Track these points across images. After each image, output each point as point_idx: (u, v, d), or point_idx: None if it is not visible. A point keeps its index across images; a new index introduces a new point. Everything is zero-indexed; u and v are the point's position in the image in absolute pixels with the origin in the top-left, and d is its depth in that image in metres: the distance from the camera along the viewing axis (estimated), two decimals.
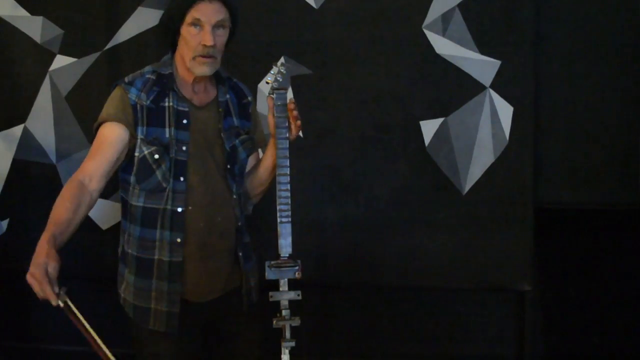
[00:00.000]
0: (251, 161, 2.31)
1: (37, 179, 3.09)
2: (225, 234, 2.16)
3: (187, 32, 2.06)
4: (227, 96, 2.22)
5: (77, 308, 1.96)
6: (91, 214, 3.04)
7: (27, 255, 3.11)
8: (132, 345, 2.24)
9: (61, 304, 1.90)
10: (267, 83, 2.29)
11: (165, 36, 2.15)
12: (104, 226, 3.08)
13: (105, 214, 3.07)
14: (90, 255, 3.08)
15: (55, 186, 3.07)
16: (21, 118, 3.08)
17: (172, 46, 2.17)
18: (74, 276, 3.11)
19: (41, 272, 1.81)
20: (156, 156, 2.06)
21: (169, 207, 2.07)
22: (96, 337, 1.99)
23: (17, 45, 3.07)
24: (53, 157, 3.08)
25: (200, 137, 2.12)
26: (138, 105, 2.07)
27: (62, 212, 1.97)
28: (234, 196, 2.17)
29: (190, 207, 2.09)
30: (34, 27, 3.06)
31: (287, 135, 2.20)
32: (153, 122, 2.07)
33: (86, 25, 3.05)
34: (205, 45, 2.04)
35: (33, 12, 3.06)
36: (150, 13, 3.01)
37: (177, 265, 2.08)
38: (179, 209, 2.07)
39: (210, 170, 2.12)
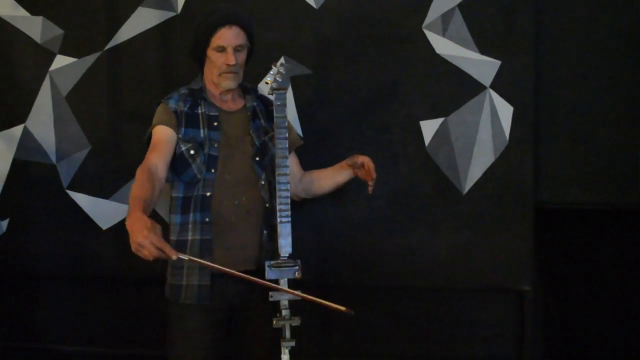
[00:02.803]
0: (291, 160, 2.49)
1: (37, 179, 3.09)
2: (252, 212, 2.41)
3: (212, 55, 2.41)
4: (254, 103, 2.53)
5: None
6: (91, 214, 3.08)
7: (27, 255, 3.14)
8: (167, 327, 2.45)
9: (184, 257, 2.03)
10: (267, 83, 2.30)
11: (194, 58, 2.50)
12: (104, 226, 3.08)
13: (105, 214, 3.06)
14: (90, 255, 3.08)
15: (56, 186, 3.08)
16: (21, 118, 3.08)
17: (201, 66, 2.51)
18: (74, 276, 3.14)
19: (157, 235, 1.95)
20: (192, 152, 2.39)
21: (200, 192, 2.38)
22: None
23: (17, 45, 3.07)
24: (53, 157, 3.08)
25: (230, 136, 2.44)
26: (178, 111, 2.42)
27: (145, 192, 2.14)
28: (262, 182, 2.43)
29: (217, 190, 2.38)
30: (34, 27, 3.06)
31: (287, 135, 2.23)
32: (190, 125, 2.42)
33: (86, 25, 3.05)
34: (228, 65, 2.38)
35: (33, 12, 3.07)
36: (150, 13, 3.02)
37: (206, 242, 2.37)
38: (208, 193, 2.38)
39: (238, 162, 2.43)
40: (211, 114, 2.45)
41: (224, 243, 2.37)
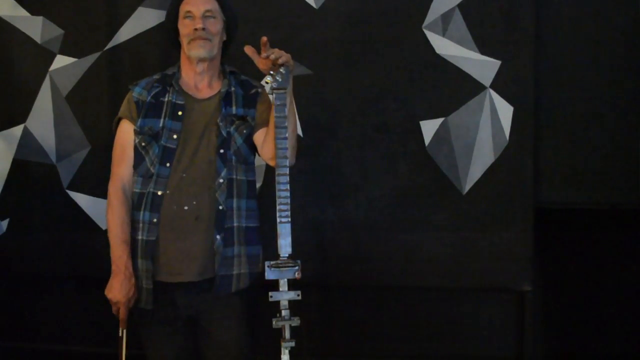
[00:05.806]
0: (259, 136, 2.36)
1: (37, 179, 3.09)
2: (202, 218, 2.26)
3: (182, 25, 2.32)
4: (232, 88, 2.38)
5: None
6: (91, 214, 3.08)
7: (27, 255, 3.14)
8: None
9: (120, 333, 2.29)
10: (267, 83, 2.29)
11: (169, 37, 2.42)
12: (104, 226, 3.07)
13: (105, 214, 3.06)
14: (90, 255, 3.08)
15: (56, 186, 3.08)
16: (21, 118, 3.08)
17: (177, 48, 2.40)
18: (74, 276, 3.14)
19: (127, 304, 2.25)
20: (143, 143, 2.29)
21: (151, 190, 2.27)
22: None
23: (17, 45, 3.07)
24: (53, 157, 3.08)
25: (195, 126, 2.31)
26: (140, 101, 2.33)
27: (125, 229, 2.27)
28: (220, 180, 2.27)
29: (168, 191, 2.26)
30: (34, 27, 3.06)
31: (287, 135, 2.22)
32: (150, 114, 2.31)
33: (86, 25, 3.05)
34: (196, 29, 2.27)
35: (33, 12, 3.07)
36: (150, 13, 3.02)
37: (151, 243, 2.25)
38: (159, 192, 2.26)
39: (198, 157, 2.29)
40: (178, 102, 2.32)
41: (166, 250, 2.24)
